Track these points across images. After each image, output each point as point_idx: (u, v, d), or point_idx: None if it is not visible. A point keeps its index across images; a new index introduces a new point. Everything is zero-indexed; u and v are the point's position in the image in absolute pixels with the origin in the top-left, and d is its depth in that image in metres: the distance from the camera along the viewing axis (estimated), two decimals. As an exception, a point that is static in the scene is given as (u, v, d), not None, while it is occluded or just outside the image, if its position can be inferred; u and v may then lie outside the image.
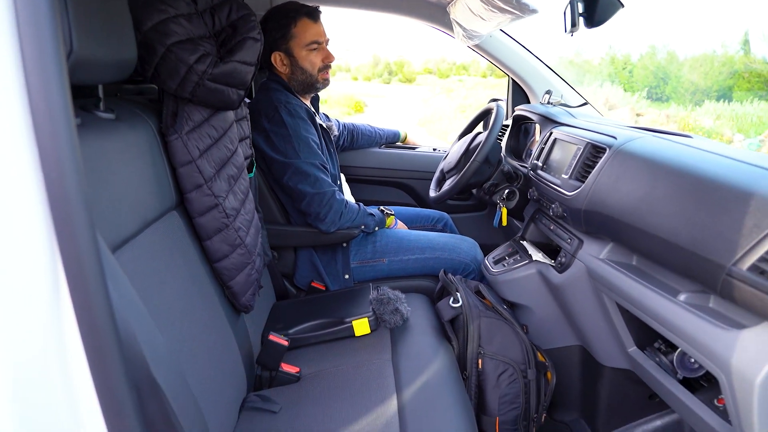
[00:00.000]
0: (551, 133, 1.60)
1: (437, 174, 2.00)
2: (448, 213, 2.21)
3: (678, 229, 0.93)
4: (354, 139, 2.23)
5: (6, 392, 0.52)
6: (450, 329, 1.39)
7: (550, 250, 1.62)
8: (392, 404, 1.08)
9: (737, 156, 0.98)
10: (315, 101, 1.83)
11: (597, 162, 1.26)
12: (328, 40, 1.70)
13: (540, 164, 1.57)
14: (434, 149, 2.42)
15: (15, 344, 0.52)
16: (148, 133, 0.99)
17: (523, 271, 1.53)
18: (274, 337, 1.26)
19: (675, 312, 0.98)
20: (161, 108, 1.08)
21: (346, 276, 1.68)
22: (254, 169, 1.43)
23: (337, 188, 1.58)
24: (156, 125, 1.03)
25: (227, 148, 1.16)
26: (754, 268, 0.77)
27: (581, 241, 1.34)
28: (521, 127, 2.04)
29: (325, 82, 1.72)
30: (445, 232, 2.08)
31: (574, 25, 1.34)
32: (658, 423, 1.45)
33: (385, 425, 1.01)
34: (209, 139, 1.10)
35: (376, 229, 1.72)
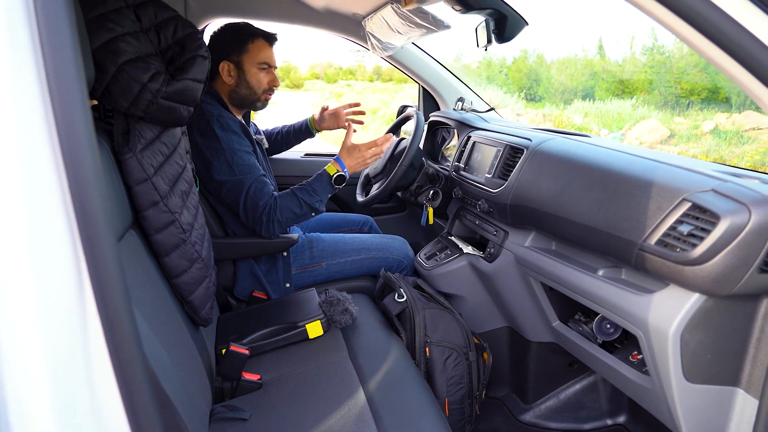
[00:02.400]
0: (469, 137, 1.76)
1: (362, 179, 2.10)
2: (370, 216, 2.31)
3: (595, 216, 1.11)
4: (278, 143, 2.20)
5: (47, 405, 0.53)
6: (398, 323, 1.49)
7: (475, 242, 1.78)
8: (360, 397, 1.15)
9: (633, 151, 1.19)
10: (246, 115, 1.84)
11: (516, 162, 1.43)
12: (276, 67, 1.75)
13: (462, 165, 1.73)
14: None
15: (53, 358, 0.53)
16: (103, 151, 0.98)
17: (455, 264, 1.67)
18: (234, 347, 1.28)
19: (596, 285, 1.16)
20: (106, 126, 1.06)
21: (287, 285, 1.71)
22: (198, 181, 1.43)
23: (275, 196, 1.60)
24: (108, 144, 1.02)
25: (178, 163, 1.17)
26: (659, 242, 0.95)
27: (506, 233, 1.51)
28: (435, 131, 2.20)
29: (265, 103, 1.75)
30: (371, 233, 2.18)
31: (489, 41, 1.50)
32: (577, 386, 1.67)
33: (358, 416, 1.09)
34: (161, 156, 1.11)
35: (326, 198, 1.65)
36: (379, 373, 1.25)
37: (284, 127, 2.20)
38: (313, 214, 1.63)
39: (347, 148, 1.68)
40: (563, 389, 1.68)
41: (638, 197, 1.02)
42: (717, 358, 0.96)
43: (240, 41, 1.66)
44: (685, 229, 0.91)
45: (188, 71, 1.08)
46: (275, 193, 1.60)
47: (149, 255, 1.10)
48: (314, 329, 1.41)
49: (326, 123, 2.11)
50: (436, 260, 1.73)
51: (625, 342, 1.28)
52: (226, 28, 1.69)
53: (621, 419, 1.62)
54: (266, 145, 2.00)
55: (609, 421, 1.63)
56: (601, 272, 1.17)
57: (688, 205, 0.92)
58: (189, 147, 1.36)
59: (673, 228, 0.94)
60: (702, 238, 0.88)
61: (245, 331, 1.41)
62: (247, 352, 1.28)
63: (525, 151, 1.41)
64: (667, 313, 0.96)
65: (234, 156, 1.55)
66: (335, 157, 1.67)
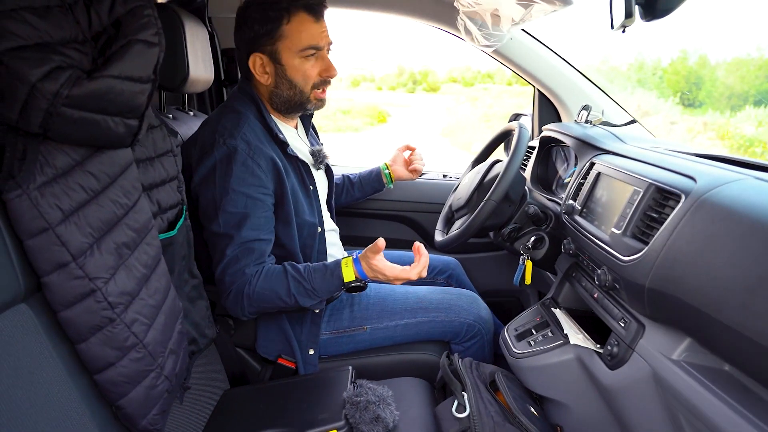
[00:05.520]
0: (592, 164, 1.19)
1: (445, 210, 1.61)
2: (459, 253, 1.81)
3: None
4: (347, 191, 1.71)
5: None
6: (453, 450, 0.99)
7: (588, 320, 1.21)
8: None
9: None
10: (306, 119, 1.43)
11: (667, 214, 0.86)
12: (330, 43, 1.23)
13: (578, 207, 1.17)
14: (444, 176, 2.03)
15: None
16: None
17: (557, 356, 1.12)
18: None
19: None
20: None
21: (311, 351, 1.28)
22: (182, 219, 1.05)
23: (256, 276, 1.15)
24: None
25: (117, 203, 0.80)
26: None
27: (642, 326, 0.93)
28: (551, 150, 1.64)
29: (319, 104, 1.28)
30: (450, 286, 1.65)
31: (629, 16, 0.94)
32: None
33: None
34: (83, 192, 0.74)
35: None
36: None
37: (353, 176, 1.72)
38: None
39: (369, 260, 1.15)
40: None
41: None
42: None
43: (271, 21, 1.15)
44: None
45: (112, 65, 0.70)
46: (259, 271, 1.16)
47: (57, 340, 0.74)
48: (327, 442, 0.97)
49: (398, 173, 1.67)
50: (531, 343, 1.18)
51: None
52: (251, 2, 1.19)
53: None
54: (327, 159, 1.45)
55: None
56: None
57: None
58: (171, 173, 0.98)
59: None
60: None
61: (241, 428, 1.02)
62: None
63: (683, 198, 0.83)
64: None
65: (225, 197, 1.14)
66: (354, 257, 1.18)
